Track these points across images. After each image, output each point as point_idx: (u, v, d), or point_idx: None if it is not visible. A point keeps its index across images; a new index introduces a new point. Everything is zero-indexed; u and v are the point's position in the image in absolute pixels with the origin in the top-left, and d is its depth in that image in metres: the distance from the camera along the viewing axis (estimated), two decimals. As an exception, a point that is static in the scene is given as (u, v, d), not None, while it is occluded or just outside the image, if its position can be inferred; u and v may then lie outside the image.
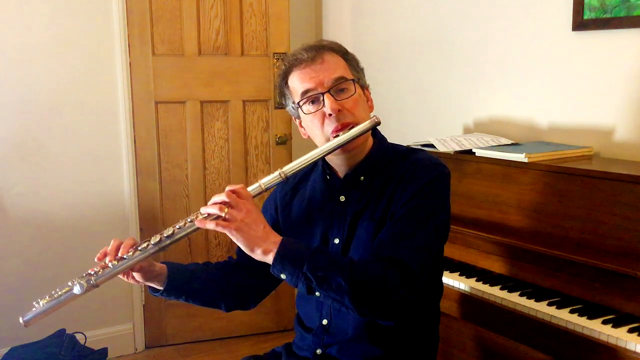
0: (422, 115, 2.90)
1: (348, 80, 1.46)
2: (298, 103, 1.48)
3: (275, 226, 1.64)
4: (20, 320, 1.40)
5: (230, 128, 3.14)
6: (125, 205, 3.05)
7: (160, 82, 3.02)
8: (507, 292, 1.83)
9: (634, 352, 1.49)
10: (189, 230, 1.38)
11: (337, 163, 1.53)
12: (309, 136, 1.54)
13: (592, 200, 1.80)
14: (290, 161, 3.18)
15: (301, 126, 1.56)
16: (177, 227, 1.38)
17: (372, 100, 1.56)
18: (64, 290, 1.38)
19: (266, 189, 1.40)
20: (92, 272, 1.37)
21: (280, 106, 3.17)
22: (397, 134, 2.60)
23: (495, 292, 1.83)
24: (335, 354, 1.55)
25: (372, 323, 1.49)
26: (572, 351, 1.62)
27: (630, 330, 1.54)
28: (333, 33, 3.43)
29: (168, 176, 3.10)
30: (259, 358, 1.68)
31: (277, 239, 1.33)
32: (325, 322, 1.55)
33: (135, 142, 3.03)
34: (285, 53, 3.11)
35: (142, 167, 3.06)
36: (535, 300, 1.75)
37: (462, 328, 2.09)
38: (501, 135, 2.40)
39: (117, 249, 1.40)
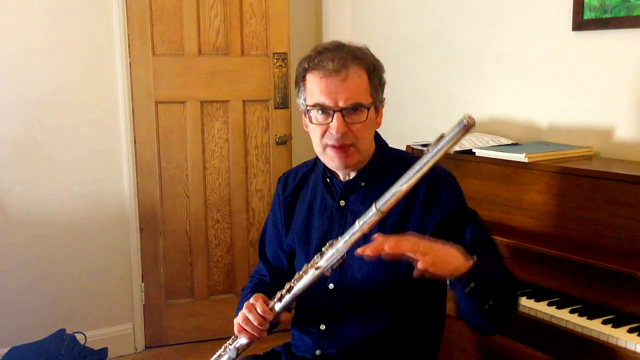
0: (422, 115, 2.90)
1: (364, 106, 1.44)
2: (307, 106, 1.48)
3: (280, 226, 1.66)
4: None
5: (230, 128, 3.14)
6: (125, 205, 3.05)
7: (160, 82, 3.02)
8: (507, 292, 1.83)
9: (634, 352, 1.49)
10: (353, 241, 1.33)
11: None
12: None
13: (592, 200, 1.80)
14: (290, 161, 3.21)
15: (305, 120, 1.55)
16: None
17: (382, 115, 1.54)
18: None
19: (369, 230, 1.30)
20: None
21: (281, 106, 3.18)
22: (397, 134, 2.60)
23: (495, 292, 1.83)
24: (335, 355, 1.54)
25: (374, 328, 1.49)
26: (572, 351, 1.62)
27: (630, 330, 1.54)
28: (333, 33, 3.43)
29: (168, 176, 3.10)
30: (259, 357, 1.68)
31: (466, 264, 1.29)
32: (323, 327, 1.55)
33: (135, 142, 3.03)
34: (285, 53, 3.11)
35: (142, 167, 3.05)
36: (535, 300, 1.75)
37: (462, 328, 2.08)
38: (501, 135, 2.39)
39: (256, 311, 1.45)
